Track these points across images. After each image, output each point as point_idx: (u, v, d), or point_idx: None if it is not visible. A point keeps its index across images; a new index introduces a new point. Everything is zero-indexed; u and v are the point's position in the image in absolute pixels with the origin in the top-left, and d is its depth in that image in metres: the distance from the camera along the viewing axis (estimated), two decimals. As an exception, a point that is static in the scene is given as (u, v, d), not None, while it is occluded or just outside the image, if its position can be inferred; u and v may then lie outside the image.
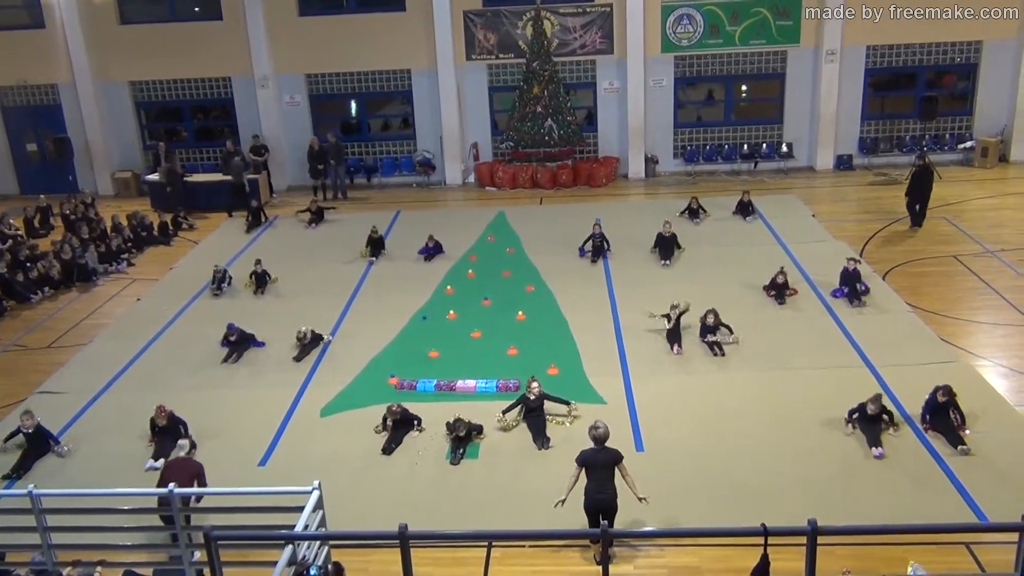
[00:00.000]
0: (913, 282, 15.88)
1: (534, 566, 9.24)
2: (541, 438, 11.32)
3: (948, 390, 11.07)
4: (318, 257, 18.56)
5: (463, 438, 11.29)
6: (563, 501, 8.94)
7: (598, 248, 17.63)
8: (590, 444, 9.05)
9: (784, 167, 23.80)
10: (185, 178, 22.93)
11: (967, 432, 10.92)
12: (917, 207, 18.63)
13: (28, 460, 11.43)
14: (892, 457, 10.68)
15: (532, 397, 11.63)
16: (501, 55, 23.50)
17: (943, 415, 11.07)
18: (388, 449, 11.30)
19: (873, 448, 10.72)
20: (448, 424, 11.48)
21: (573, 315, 15.08)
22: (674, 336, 13.71)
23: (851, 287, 15.02)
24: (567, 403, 11.90)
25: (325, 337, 14.49)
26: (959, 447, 10.66)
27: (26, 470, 11.29)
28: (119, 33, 23.84)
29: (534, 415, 11.60)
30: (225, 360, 14.04)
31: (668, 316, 13.84)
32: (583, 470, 8.99)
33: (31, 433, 11.52)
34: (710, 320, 13.66)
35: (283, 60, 23.66)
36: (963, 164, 23.32)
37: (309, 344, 14.22)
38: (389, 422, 11.65)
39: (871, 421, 11.02)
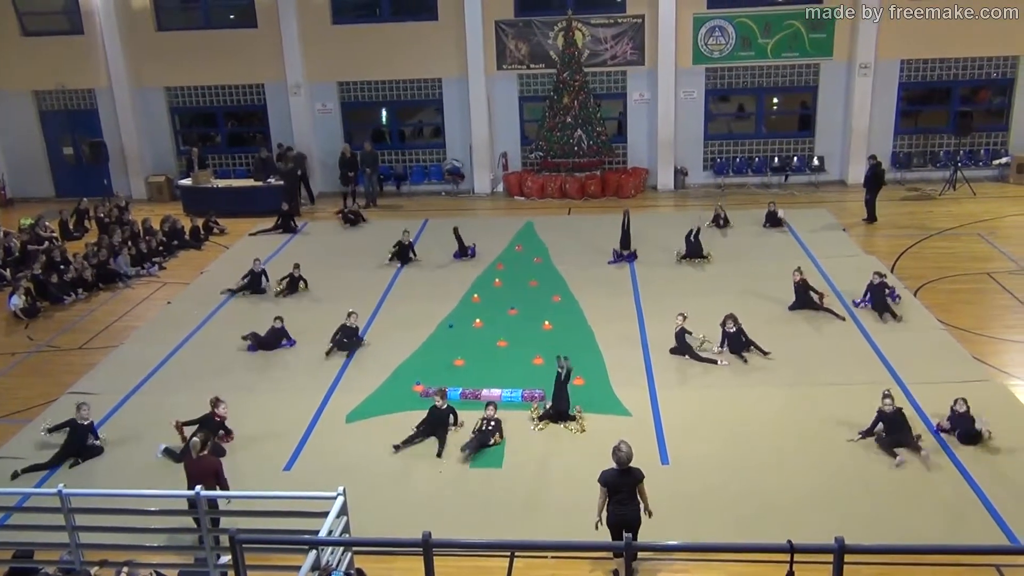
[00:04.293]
0: (945, 299, 15.67)
1: (556, 577, 9.22)
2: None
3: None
4: (347, 263, 18.67)
5: (485, 444, 11.41)
6: (599, 521, 8.83)
7: (625, 232, 18.15)
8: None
9: (815, 181, 23.64)
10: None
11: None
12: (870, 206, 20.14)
13: (66, 452, 11.48)
14: (920, 475, 10.53)
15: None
16: (532, 65, 23.56)
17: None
18: (400, 446, 11.45)
19: (896, 455, 10.75)
20: (480, 429, 11.59)
21: (599, 326, 15.05)
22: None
23: (878, 300, 14.88)
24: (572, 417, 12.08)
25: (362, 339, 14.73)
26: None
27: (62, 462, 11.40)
28: (156, 40, 24.22)
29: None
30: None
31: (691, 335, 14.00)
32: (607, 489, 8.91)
33: (83, 425, 11.64)
34: (730, 326, 13.64)
35: (316, 68, 23.90)
36: (998, 180, 23.05)
37: (343, 338, 14.38)
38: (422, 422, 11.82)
39: (894, 425, 11.03)
